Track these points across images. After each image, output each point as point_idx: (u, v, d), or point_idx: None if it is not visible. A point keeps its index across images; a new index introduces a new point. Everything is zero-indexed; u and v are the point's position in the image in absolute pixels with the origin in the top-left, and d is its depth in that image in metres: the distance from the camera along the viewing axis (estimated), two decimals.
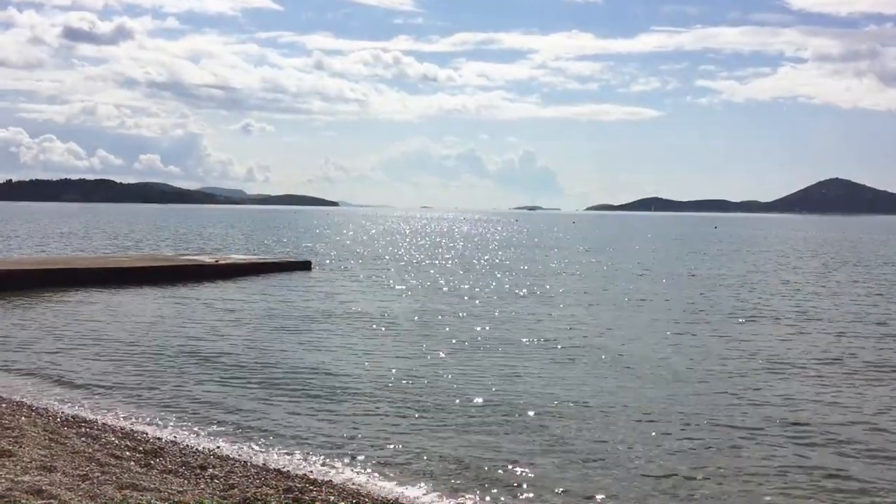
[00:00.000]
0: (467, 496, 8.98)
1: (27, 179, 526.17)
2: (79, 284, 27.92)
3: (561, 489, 9.16)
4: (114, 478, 7.96)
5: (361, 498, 8.45)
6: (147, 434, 10.90)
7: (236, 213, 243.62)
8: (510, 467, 9.84)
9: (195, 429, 11.37)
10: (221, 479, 8.62)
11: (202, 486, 8.21)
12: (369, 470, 9.74)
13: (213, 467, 9.16)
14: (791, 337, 19.81)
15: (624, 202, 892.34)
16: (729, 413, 12.41)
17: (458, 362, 16.02)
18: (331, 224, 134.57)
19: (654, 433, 11.29)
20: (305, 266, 38.18)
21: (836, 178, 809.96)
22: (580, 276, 37.61)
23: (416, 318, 22.21)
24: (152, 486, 7.80)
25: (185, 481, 8.37)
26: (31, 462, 8.09)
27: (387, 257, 49.68)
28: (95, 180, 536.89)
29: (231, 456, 10.04)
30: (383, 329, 20.26)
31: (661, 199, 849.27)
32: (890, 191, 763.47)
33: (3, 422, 10.08)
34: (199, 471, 8.93)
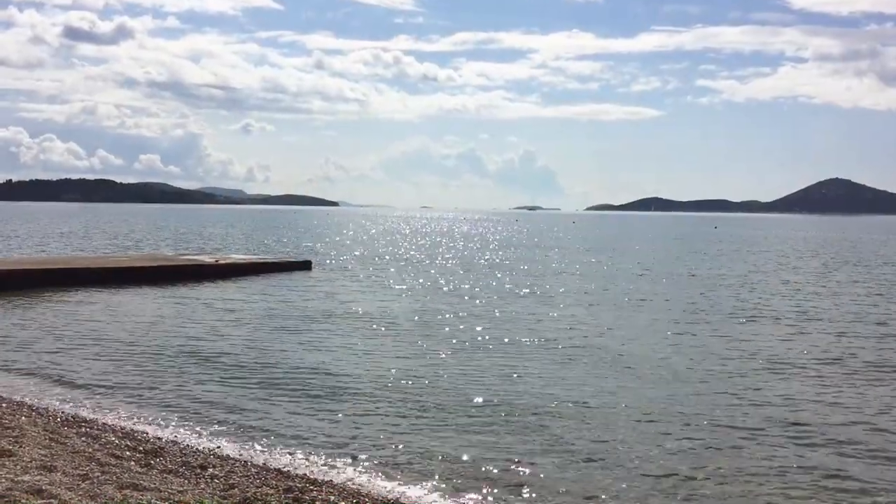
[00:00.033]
0: (468, 496, 8.98)
1: (27, 179, 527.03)
2: (79, 284, 27.92)
3: (561, 489, 9.16)
4: (114, 477, 7.96)
5: (362, 498, 8.45)
6: (147, 434, 10.90)
7: (236, 212, 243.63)
8: (510, 467, 9.84)
9: (195, 429, 11.37)
10: (222, 479, 8.62)
11: (202, 486, 8.21)
12: (370, 470, 9.74)
13: (214, 467, 9.16)
14: (791, 337, 19.81)
15: (624, 202, 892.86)
16: (729, 413, 12.41)
17: (458, 362, 16.02)
18: (331, 224, 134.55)
19: (654, 433, 11.29)
20: (305, 266, 38.18)
21: (837, 178, 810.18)
22: (580, 275, 37.60)
23: (416, 318, 22.21)
24: (152, 485, 7.80)
25: (186, 481, 8.37)
26: (31, 462, 8.09)
27: (387, 257, 49.68)
28: (95, 180, 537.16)
29: (231, 456, 10.04)
30: (383, 329, 20.26)
31: (661, 198, 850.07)
32: (890, 191, 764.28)
33: (4, 421, 10.08)
34: (199, 470, 8.93)
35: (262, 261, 38.48)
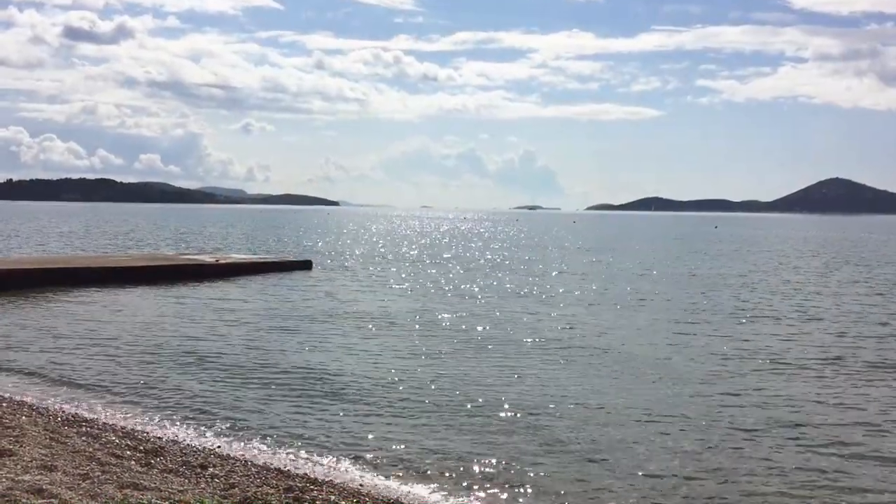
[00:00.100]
0: (468, 496, 8.98)
1: (27, 179, 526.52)
2: (79, 284, 27.92)
3: (561, 489, 9.16)
4: (114, 477, 7.96)
5: (362, 497, 8.45)
6: (147, 433, 10.91)
7: (236, 212, 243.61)
8: (510, 467, 9.85)
9: (196, 428, 11.38)
10: (222, 479, 8.62)
11: (203, 486, 8.21)
12: (370, 469, 9.74)
13: (214, 466, 9.16)
14: (792, 337, 19.80)
15: (624, 202, 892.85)
16: (729, 413, 12.41)
17: (458, 362, 16.02)
18: (331, 224, 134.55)
19: (654, 433, 11.29)
20: (306, 265, 38.18)
21: (837, 178, 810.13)
22: (580, 275, 37.60)
23: (416, 318, 22.21)
24: (153, 485, 7.80)
25: (186, 480, 8.37)
26: (31, 461, 8.09)
27: (387, 257, 49.68)
28: (96, 180, 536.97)
29: (232, 455, 10.04)
30: (383, 329, 20.26)
31: (661, 198, 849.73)
32: (890, 190, 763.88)
33: (4, 421, 10.08)
34: (199, 470, 8.93)
35: (262, 260, 38.49)
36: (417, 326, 20.67)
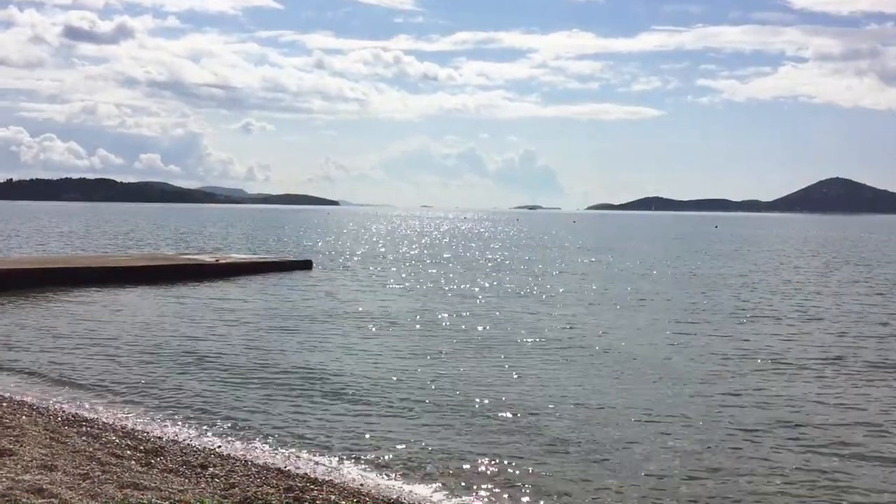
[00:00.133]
0: (468, 496, 8.98)
1: (27, 178, 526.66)
2: (79, 284, 27.92)
3: (561, 489, 9.16)
4: (114, 477, 7.96)
5: (362, 497, 8.45)
6: (148, 433, 10.91)
7: (237, 212, 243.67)
8: (510, 467, 9.85)
9: (196, 428, 11.38)
10: (222, 478, 8.62)
11: (203, 485, 8.21)
12: (370, 469, 9.74)
13: (214, 466, 9.17)
14: (792, 336, 19.80)
15: (624, 201, 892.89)
16: (729, 413, 12.41)
17: (458, 362, 16.02)
18: (331, 223, 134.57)
19: (654, 433, 11.29)
20: (306, 265, 38.19)
21: (837, 178, 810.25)
22: (580, 275, 37.60)
23: (417, 317, 22.21)
24: (153, 484, 7.81)
25: (186, 480, 8.37)
26: (31, 461, 8.09)
27: (387, 257, 49.68)
28: (96, 179, 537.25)
29: (232, 455, 10.04)
30: (383, 329, 20.26)
31: (661, 198, 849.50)
32: (890, 190, 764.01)
33: (4, 421, 10.08)
34: (199, 470, 8.93)
35: (262, 260, 38.50)
36: (417, 326, 20.67)
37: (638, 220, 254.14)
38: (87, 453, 9.01)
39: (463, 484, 9.29)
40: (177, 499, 7.30)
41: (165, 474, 8.55)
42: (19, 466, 7.80)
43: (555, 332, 19.78)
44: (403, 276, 36.11)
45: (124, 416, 11.96)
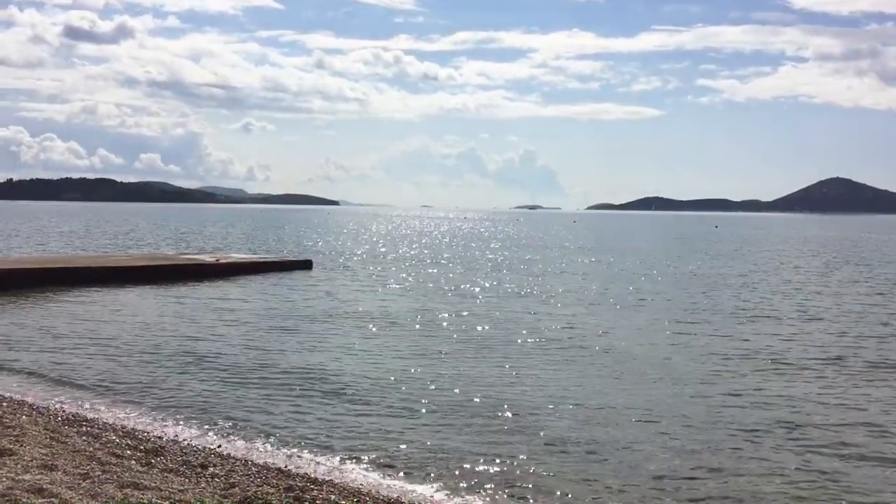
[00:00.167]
0: (468, 496, 8.98)
1: (28, 178, 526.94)
2: (79, 283, 27.92)
3: (561, 489, 9.16)
4: (115, 476, 7.96)
5: (362, 497, 8.45)
6: (148, 433, 10.91)
7: (237, 212, 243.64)
8: (510, 467, 9.85)
9: (196, 427, 11.38)
10: (222, 478, 8.62)
11: (203, 485, 8.21)
12: (370, 469, 9.75)
13: (214, 466, 9.17)
14: (792, 336, 19.80)
15: (624, 201, 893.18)
16: (729, 413, 12.41)
17: (458, 362, 16.02)
18: (331, 223, 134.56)
19: (654, 433, 11.29)
20: (306, 265, 38.18)
21: (837, 178, 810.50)
22: (581, 275, 37.60)
23: (416, 317, 22.21)
24: (153, 484, 7.81)
25: (186, 480, 8.37)
26: (32, 461, 8.10)
27: (388, 257, 49.68)
28: (96, 179, 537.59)
29: (232, 455, 10.04)
30: (383, 329, 20.26)
31: (661, 198, 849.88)
32: (891, 190, 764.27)
33: (5, 421, 10.09)
34: (199, 469, 8.93)
35: (262, 260, 38.50)
36: (417, 326, 20.67)
37: (638, 219, 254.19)
38: (87, 453, 9.01)
39: (463, 484, 9.29)
40: (177, 498, 7.30)
41: (166, 474, 8.55)
42: (19, 466, 7.80)
43: (555, 332, 19.78)
44: (403, 276, 36.11)
45: (124, 415, 11.96)
